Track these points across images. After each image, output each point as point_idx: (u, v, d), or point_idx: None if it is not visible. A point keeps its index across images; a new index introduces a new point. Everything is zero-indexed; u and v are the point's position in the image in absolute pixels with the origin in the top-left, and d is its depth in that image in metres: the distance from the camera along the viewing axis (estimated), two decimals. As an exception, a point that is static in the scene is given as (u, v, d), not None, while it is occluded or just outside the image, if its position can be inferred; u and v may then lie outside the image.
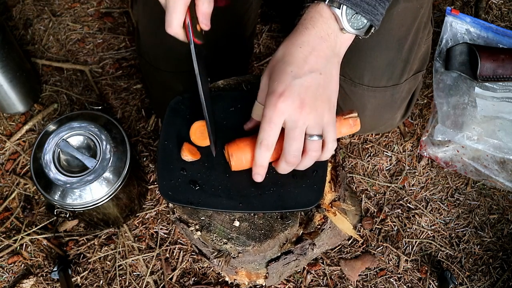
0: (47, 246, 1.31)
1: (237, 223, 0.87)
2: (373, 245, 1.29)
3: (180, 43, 0.85)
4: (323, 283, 1.26)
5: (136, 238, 1.32)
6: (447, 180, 1.36)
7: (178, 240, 1.31)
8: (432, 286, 1.25)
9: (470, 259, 1.28)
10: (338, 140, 0.93)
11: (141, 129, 1.44)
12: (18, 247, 1.31)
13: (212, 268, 1.28)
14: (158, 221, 1.33)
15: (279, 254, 0.92)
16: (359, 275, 1.26)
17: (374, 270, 1.27)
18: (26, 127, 1.44)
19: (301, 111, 0.75)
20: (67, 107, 1.47)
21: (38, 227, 1.32)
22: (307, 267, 1.27)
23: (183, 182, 0.87)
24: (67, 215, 1.16)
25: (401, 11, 1.02)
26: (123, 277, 1.28)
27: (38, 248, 1.31)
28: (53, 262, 1.29)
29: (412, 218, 1.32)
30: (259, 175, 0.83)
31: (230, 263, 0.90)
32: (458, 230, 1.31)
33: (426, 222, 1.32)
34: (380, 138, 1.41)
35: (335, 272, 1.27)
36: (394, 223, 1.32)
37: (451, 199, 1.34)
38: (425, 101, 1.45)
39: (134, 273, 1.29)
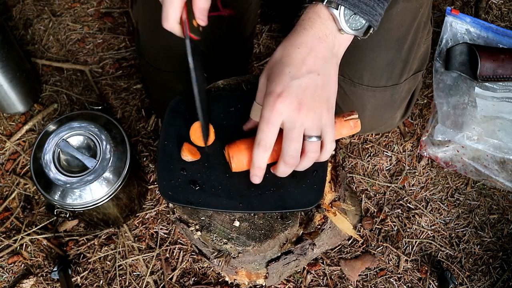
0: (47, 246, 1.31)
1: (237, 223, 0.87)
2: (373, 245, 1.29)
3: (180, 43, 0.85)
4: (323, 283, 1.26)
5: (136, 238, 1.32)
6: (447, 180, 1.36)
7: (178, 240, 1.31)
8: (432, 286, 1.25)
9: (470, 259, 1.28)
10: (338, 140, 0.93)
11: (141, 129, 1.44)
12: (18, 247, 1.31)
13: (212, 268, 1.28)
14: (158, 221, 1.33)
15: (279, 254, 0.92)
16: (359, 275, 1.26)
17: (374, 270, 1.27)
18: (26, 127, 1.44)
19: (299, 112, 0.75)
20: (67, 107, 1.47)
21: (38, 227, 1.32)
22: (307, 267, 1.27)
23: (183, 182, 0.87)
24: (67, 215, 1.16)
25: (401, 11, 1.02)
26: (123, 277, 1.28)
27: (38, 248, 1.31)
28: (53, 262, 1.29)
29: (412, 218, 1.32)
30: (257, 177, 0.83)
31: (230, 263, 0.90)
32: (458, 230, 1.31)
33: (426, 222, 1.32)
34: (380, 138, 1.41)
35: (335, 272, 1.27)
36: (394, 223, 1.32)
37: (451, 199, 1.34)
38: (425, 101, 1.45)
39: (134, 273, 1.29)
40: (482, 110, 1.28)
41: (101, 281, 1.28)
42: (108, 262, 1.30)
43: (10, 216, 1.34)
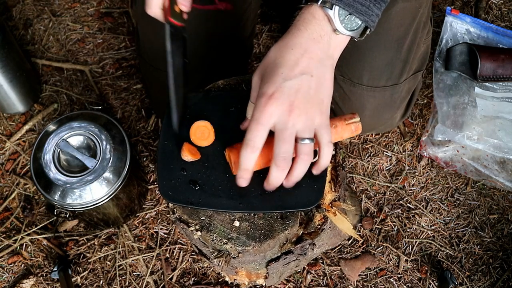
0: (47, 246, 1.31)
1: (237, 223, 0.87)
2: (373, 245, 1.29)
3: None
4: (323, 283, 1.26)
5: (136, 238, 1.32)
6: (447, 180, 1.36)
7: (178, 240, 1.31)
8: (432, 286, 1.25)
9: (470, 259, 1.28)
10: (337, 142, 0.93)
11: (141, 129, 1.44)
12: (18, 247, 1.31)
13: (212, 268, 1.28)
14: (158, 221, 1.33)
15: (279, 254, 0.92)
16: (359, 275, 1.26)
17: (374, 270, 1.27)
18: (26, 127, 1.44)
19: (290, 113, 0.74)
20: (67, 107, 1.47)
21: (38, 227, 1.32)
22: (307, 267, 1.27)
23: (183, 182, 0.87)
24: (67, 215, 1.16)
25: (400, 11, 1.01)
26: (123, 277, 1.28)
27: (38, 248, 1.31)
28: (53, 262, 1.29)
29: (412, 218, 1.32)
30: (243, 180, 0.80)
31: (230, 263, 0.90)
32: (458, 230, 1.31)
33: (426, 222, 1.32)
34: (380, 138, 1.41)
35: (335, 272, 1.27)
36: (394, 223, 1.32)
37: (451, 199, 1.34)
38: (425, 101, 1.45)
39: (134, 273, 1.29)
40: (482, 110, 1.28)
41: (101, 281, 1.28)
42: (108, 262, 1.30)
43: (10, 216, 1.34)
